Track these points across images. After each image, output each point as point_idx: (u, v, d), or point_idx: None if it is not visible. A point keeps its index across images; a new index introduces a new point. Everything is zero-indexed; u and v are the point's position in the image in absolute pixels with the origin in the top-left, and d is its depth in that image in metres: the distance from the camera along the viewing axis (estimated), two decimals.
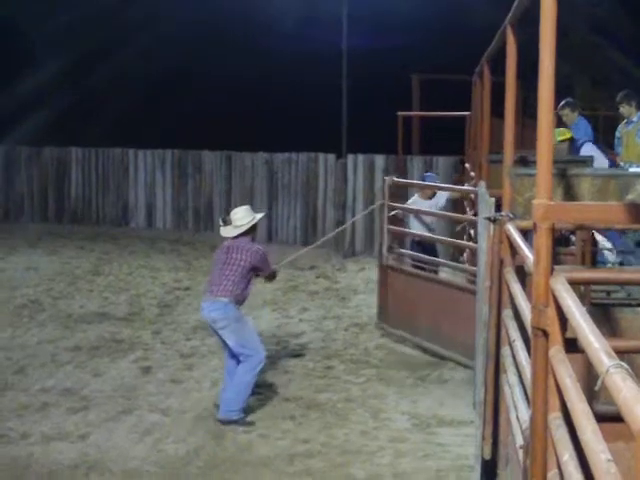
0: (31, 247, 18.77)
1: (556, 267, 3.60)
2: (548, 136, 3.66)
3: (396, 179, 12.86)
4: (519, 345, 4.53)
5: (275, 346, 11.18)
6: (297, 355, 10.91)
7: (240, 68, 25.41)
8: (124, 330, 12.04)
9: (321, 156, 19.91)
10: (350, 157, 19.66)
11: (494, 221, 5.98)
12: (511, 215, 5.62)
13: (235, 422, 8.44)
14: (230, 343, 8.66)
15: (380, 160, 19.22)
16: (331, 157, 19.87)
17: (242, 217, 9.01)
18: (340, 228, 15.26)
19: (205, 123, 24.41)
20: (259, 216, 9.21)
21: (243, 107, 25.34)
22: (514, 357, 4.75)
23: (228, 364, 8.89)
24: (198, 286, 14.76)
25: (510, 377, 4.91)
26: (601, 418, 2.89)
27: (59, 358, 10.71)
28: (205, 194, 21.21)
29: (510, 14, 5.43)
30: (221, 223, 9.11)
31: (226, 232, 9.03)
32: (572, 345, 3.40)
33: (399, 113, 18.17)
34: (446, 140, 17.11)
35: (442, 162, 18.41)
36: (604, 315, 5.93)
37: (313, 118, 23.33)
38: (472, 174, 12.71)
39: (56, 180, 22.56)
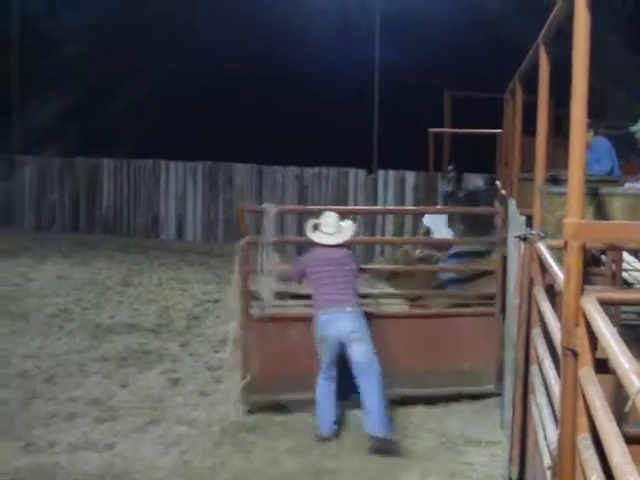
0: (62, 257, 18.87)
1: (587, 287, 3.59)
2: (580, 154, 3.65)
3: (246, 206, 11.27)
4: (548, 365, 4.51)
5: None
6: None
7: (271, 81, 25.46)
8: (153, 341, 12.07)
9: (351, 171, 19.91)
10: (381, 173, 19.68)
11: (525, 239, 5.96)
12: (542, 234, 5.60)
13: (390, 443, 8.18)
14: (362, 352, 8.28)
15: (411, 177, 19.23)
16: (362, 173, 19.89)
17: (342, 224, 8.85)
18: None
19: (236, 135, 24.47)
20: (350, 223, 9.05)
21: (274, 119, 25.38)
22: (543, 377, 4.73)
23: (328, 386, 8.52)
24: (228, 298, 14.78)
25: (538, 397, 4.89)
26: (630, 440, 2.88)
27: (87, 368, 10.75)
28: (236, 207, 21.24)
29: (543, 32, 5.42)
30: (329, 230, 8.72)
31: (332, 240, 8.71)
32: (602, 366, 3.38)
33: (430, 130, 18.13)
34: (477, 157, 17.06)
35: (473, 180, 18.35)
36: (634, 336, 5.90)
37: (344, 132, 23.33)
38: (503, 192, 12.66)
39: (88, 191, 22.70)
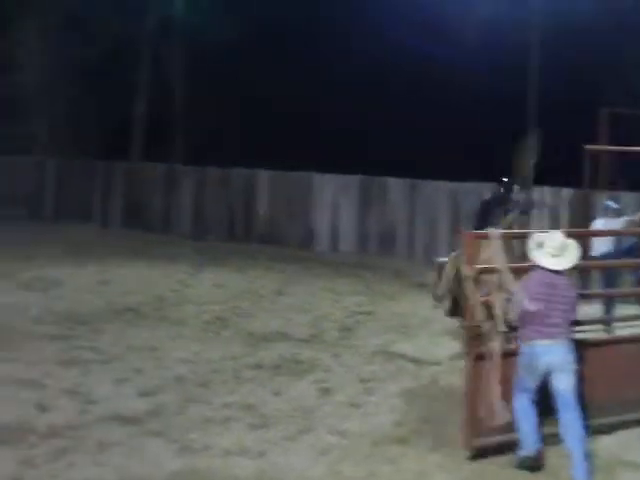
0: (219, 265, 19.26)
1: None
2: None
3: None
4: None
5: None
6: None
7: (423, 96, 25.52)
8: (305, 351, 12.23)
9: None
10: (536, 189, 19.38)
11: None
12: None
13: None
14: (564, 387, 8.05)
15: (567, 193, 18.90)
16: (515, 188, 19.62)
17: (568, 243, 8.29)
18: None
19: (391, 150, 24.59)
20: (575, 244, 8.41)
21: (429, 134, 25.38)
22: None
23: (529, 404, 8.24)
24: (380, 311, 14.87)
25: None
26: None
27: (241, 375, 10.98)
28: (389, 221, 21.33)
29: None
30: (555, 252, 8.14)
31: (557, 263, 8.16)
32: None
33: (587, 147, 17.70)
34: (636, 176, 16.67)
35: (628, 198, 17.85)
36: None
37: (497, 146, 23.14)
38: None
39: (244, 201, 23.17)
